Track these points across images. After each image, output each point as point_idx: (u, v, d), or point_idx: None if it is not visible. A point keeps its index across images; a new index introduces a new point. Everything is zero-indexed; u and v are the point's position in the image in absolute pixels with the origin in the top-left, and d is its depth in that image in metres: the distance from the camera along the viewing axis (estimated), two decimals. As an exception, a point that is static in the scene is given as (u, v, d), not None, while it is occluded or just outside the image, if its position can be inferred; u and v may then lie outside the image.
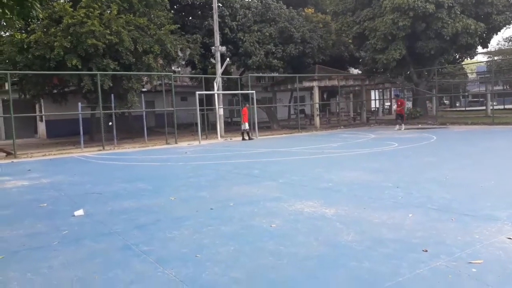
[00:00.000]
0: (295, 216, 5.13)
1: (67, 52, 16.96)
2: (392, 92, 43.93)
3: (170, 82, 20.41)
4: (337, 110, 33.14)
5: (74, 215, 5.65)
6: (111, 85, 17.86)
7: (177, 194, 6.84)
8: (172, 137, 19.48)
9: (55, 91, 20.82)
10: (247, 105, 20.55)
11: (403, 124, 20.91)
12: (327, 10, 31.37)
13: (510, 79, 39.53)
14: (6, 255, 4.13)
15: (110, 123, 18.56)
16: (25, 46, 17.05)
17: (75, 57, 17.05)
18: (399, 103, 22.15)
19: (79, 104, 17.86)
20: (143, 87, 22.85)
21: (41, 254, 4.11)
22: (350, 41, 30.15)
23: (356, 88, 34.48)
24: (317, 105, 28.13)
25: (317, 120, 27.59)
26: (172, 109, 20.02)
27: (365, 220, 4.78)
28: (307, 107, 36.76)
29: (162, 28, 19.89)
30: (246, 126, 19.13)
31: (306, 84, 27.26)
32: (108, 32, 17.19)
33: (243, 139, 18.92)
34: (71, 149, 17.62)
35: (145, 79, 21.63)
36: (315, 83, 27.07)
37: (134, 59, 18.59)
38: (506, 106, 38.04)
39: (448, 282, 3.04)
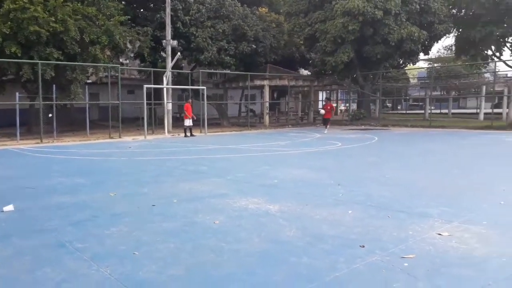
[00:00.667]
0: (239, 212, 5.11)
1: (6, 39, 15.81)
2: (339, 94, 45.36)
3: (117, 74, 19.67)
4: (286, 110, 33.66)
5: (3, 211, 5.26)
6: (53, 75, 16.88)
7: (118, 190, 6.59)
8: (116, 131, 18.78)
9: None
10: (190, 100, 20.21)
11: (326, 128, 20.68)
12: (281, 11, 31.73)
13: (447, 86, 42.12)
14: None
15: (50, 115, 17.56)
16: None
17: (15, 44, 15.94)
18: (328, 107, 21.58)
19: (17, 94, 16.72)
20: (88, 79, 21.83)
21: (-38, 253, 3.78)
22: (301, 42, 30.69)
23: (305, 89, 35.19)
24: (267, 104, 28.39)
25: (266, 118, 27.84)
26: (118, 102, 19.32)
27: (307, 217, 4.86)
28: (257, 106, 37.00)
29: (112, 19, 19.11)
30: (188, 122, 18.80)
31: (258, 82, 27.41)
32: (53, 19, 16.22)
33: (186, 135, 18.64)
34: (5, 141, 16.47)
35: (90, 70, 20.70)
36: (266, 82, 27.29)
37: (79, 49, 17.70)
38: (442, 111, 40.59)
39: (382, 276, 3.15)
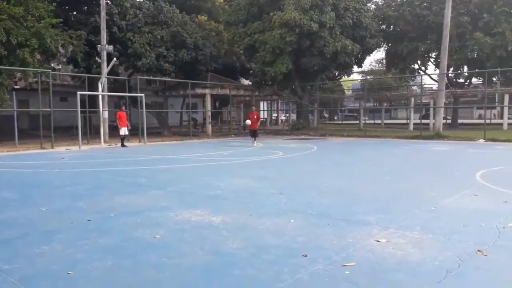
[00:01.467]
0: (181, 225, 4.99)
1: None
2: (280, 104, 46.30)
3: (48, 80, 18.56)
4: (229, 119, 33.72)
5: None
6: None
7: (50, 205, 6.16)
8: (48, 141, 17.66)
9: None
10: (123, 108, 19.54)
11: (255, 141, 18.27)
12: (220, 19, 31.87)
13: (379, 97, 44.63)
14: None
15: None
16: None
17: None
18: (255, 116, 18.60)
19: None
20: (16, 84, 20.38)
21: None
22: (241, 52, 31.00)
23: (247, 98, 35.53)
24: (209, 113, 28.25)
25: (209, 127, 27.69)
26: (49, 109, 18.19)
27: (250, 227, 4.86)
28: (199, 115, 36.69)
29: (42, 21, 18.03)
30: (123, 131, 18.16)
31: (199, 91, 27.22)
32: None
33: (122, 145, 17.99)
34: None
35: (18, 75, 19.32)
36: (207, 91, 27.18)
37: (6, 52, 16.48)
38: (376, 121, 42.89)
39: (325, 285, 3.21)
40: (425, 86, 34.20)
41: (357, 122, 37.94)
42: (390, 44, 32.35)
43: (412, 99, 35.97)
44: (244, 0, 28.20)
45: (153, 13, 26.11)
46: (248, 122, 18.84)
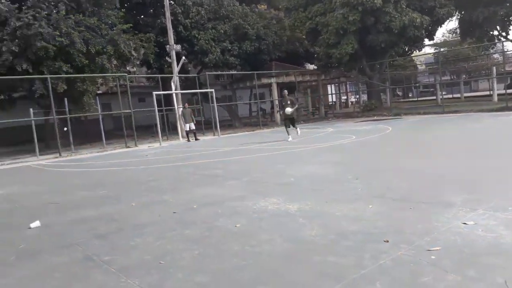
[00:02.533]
0: (259, 214, 5.14)
1: (16, 57, 16.10)
2: (348, 86, 45.05)
3: (126, 83, 19.87)
4: (297, 105, 33.60)
5: (30, 227, 5.38)
6: (65, 87, 17.15)
7: (138, 200, 6.68)
8: (131, 139, 19.00)
9: (1, 96, 19.72)
10: (186, 105, 20.31)
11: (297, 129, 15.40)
12: (280, 6, 31.67)
13: (456, 69, 41.57)
14: (-45, 277, 3.87)
15: (66, 129, 17.85)
16: None
17: (25, 61, 16.22)
18: (288, 102, 14.94)
19: (31, 110, 17.02)
20: (98, 89, 22.13)
21: (-6, 273, 3.89)
22: (304, 36, 30.58)
23: (313, 83, 35.08)
24: (276, 102, 28.38)
25: (277, 116, 27.84)
26: (130, 111, 19.53)
27: (327, 214, 4.86)
28: (267, 104, 37.01)
29: (114, 28, 19.32)
30: (188, 127, 19.00)
31: (265, 81, 27.44)
32: (58, 33, 16.48)
33: (196, 139, 18.87)
34: (26, 157, 16.80)
35: (99, 81, 20.97)
36: (273, 80, 27.30)
37: (87, 61, 17.95)
38: (455, 95, 40.07)
39: (410, 270, 3.14)
40: (508, 53, 31.15)
41: (434, 97, 35.76)
42: (463, 12, 29.80)
43: (494, 68, 32.98)
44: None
45: (214, 8, 26.68)
46: (289, 109, 14.70)
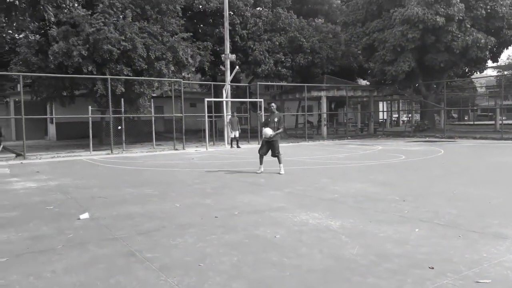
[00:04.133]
0: (300, 227, 5.09)
1: (83, 59, 17.16)
2: (401, 104, 43.77)
3: (180, 88, 20.53)
4: (345, 121, 33.08)
5: (79, 218, 5.66)
6: (123, 90, 18.01)
7: (182, 201, 6.84)
8: (180, 142, 19.55)
9: (64, 93, 21.05)
10: (234, 114, 20.60)
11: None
12: (337, 21, 31.51)
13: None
14: (10, 257, 4.15)
15: (120, 127, 18.70)
16: (45, 49, 17.27)
17: (91, 63, 17.25)
18: (275, 119, 10.49)
19: (89, 107, 18.01)
20: (154, 92, 23.03)
21: (45, 258, 4.12)
22: (359, 52, 30.18)
23: (364, 99, 34.43)
24: (324, 115, 28.12)
25: (324, 130, 27.56)
26: (181, 115, 20.12)
27: (371, 234, 4.73)
28: (314, 117, 36.75)
29: (175, 36, 20.09)
30: (233, 134, 19.40)
31: (315, 93, 27.30)
32: (123, 38, 17.39)
33: (238, 146, 19.20)
34: (80, 151, 17.75)
35: (156, 84, 21.83)
36: (323, 93, 27.10)
37: (146, 66, 18.75)
38: (516, 121, 37.72)
39: (454, 301, 2.99)
40: None
41: (492, 122, 33.90)
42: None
43: None
44: (362, -1, 27.44)
45: (272, 21, 27.01)
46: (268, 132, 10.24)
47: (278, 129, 10.35)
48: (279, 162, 10.31)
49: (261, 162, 10.47)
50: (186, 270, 3.71)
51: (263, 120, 10.95)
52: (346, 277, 3.48)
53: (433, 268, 3.61)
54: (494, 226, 4.92)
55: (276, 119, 10.45)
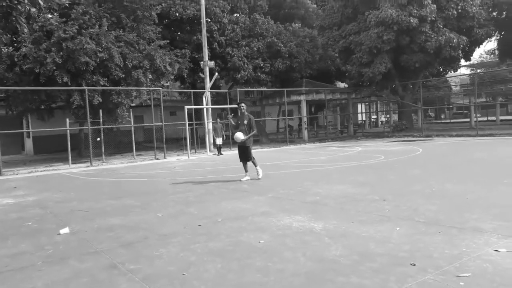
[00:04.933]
0: (283, 231, 5.11)
1: (58, 68, 16.83)
2: (379, 105, 44.43)
3: (159, 97, 20.39)
4: (325, 123, 33.42)
5: (59, 234, 5.55)
6: (101, 100, 17.76)
7: (165, 210, 6.78)
8: (160, 151, 19.37)
9: (42, 107, 20.65)
10: (218, 120, 20.67)
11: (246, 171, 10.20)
12: (314, 25, 31.89)
13: (493, 91, 40.36)
14: (-12, 276, 4.03)
15: (98, 139, 18.42)
16: (15, 60, 16.87)
17: (65, 74, 16.94)
18: (244, 122, 10.11)
19: (67, 120, 17.70)
20: (132, 102, 22.81)
21: (25, 275, 4.02)
22: (336, 55, 30.59)
23: (343, 102, 34.88)
24: (305, 119, 28.33)
25: (305, 133, 27.76)
26: (161, 124, 19.96)
27: (353, 234, 4.78)
28: (294, 121, 36.99)
29: (152, 44, 19.94)
30: (219, 141, 19.46)
31: (294, 98, 27.51)
32: (100, 49, 17.17)
33: (220, 154, 19.17)
34: (58, 165, 17.40)
35: (134, 94, 21.64)
36: (302, 97, 27.33)
37: (123, 75, 18.56)
38: (490, 118, 38.79)
39: (435, 296, 3.04)
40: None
41: (468, 120, 34.78)
42: (503, 33, 29.11)
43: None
44: (337, 3, 27.87)
45: (249, 26, 27.16)
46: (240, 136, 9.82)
47: (250, 131, 9.89)
48: (255, 165, 10.02)
49: (245, 170, 10.10)
50: (170, 280, 3.68)
51: (234, 123, 10.33)
52: (330, 278, 3.51)
53: (414, 264, 3.68)
54: (472, 221, 5.04)
55: (245, 121, 9.97)
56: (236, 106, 10.22)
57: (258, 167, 10.00)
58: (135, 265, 4.14)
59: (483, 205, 5.87)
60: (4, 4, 5.93)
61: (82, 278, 3.84)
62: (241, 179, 9.88)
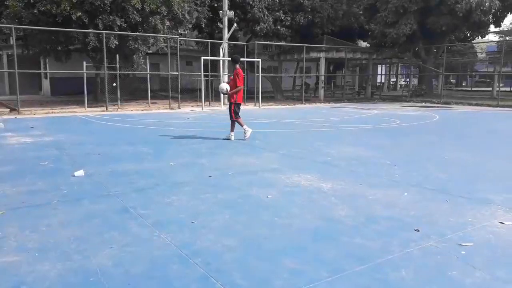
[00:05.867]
0: (292, 188, 5.19)
1: (73, 7, 16.58)
2: (400, 68, 43.22)
3: (176, 45, 20.12)
4: (342, 83, 32.82)
5: (74, 176, 5.72)
6: (117, 43, 17.58)
7: (177, 160, 6.90)
8: (175, 101, 19.42)
9: (59, 48, 20.56)
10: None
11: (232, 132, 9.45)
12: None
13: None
14: (6, 211, 4.22)
15: (114, 84, 18.46)
16: (31, 1, 16.68)
17: (82, 13, 16.69)
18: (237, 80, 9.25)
19: (84, 63, 17.68)
20: (149, 49, 22.55)
21: (40, 212, 4.20)
22: (360, 12, 29.47)
23: (363, 62, 33.99)
24: (322, 77, 27.84)
25: (321, 92, 27.39)
26: (177, 73, 19.85)
27: (360, 196, 4.83)
28: (311, 78, 36.38)
29: (171, -12, 19.39)
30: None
31: (313, 54, 26.87)
32: None
33: None
34: (74, 108, 17.63)
35: (151, 41, 21.35)
36: (322, 54, 26.68)
37: (140, 19, 18.21)
38: (514, 89, 37.61)
39: (437, 262, 3.10)
40: None
41: (490, 89, 33.79)
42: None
43: None
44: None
45: (272, -24, 26.13)
46: (225, 87, 9.47)
47: (235, 88, 9.07)
48: (241, 125, 9.21)
49: (231, 128, 9.39)
50: (179, 227, 3.81)
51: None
52: (334, 236, 3.60)
53: (418, 230, 3.73)
54: (481, 192, 5.03)
55: (232, 76, 9.25)
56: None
57: (245, 126, 9.26)
58: (146, 210, 4.28)
59: (495, 177, 5.83)
60: None
61: (95, 219, 4.00)
62: (231, 137, 9.26)
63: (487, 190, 5.09)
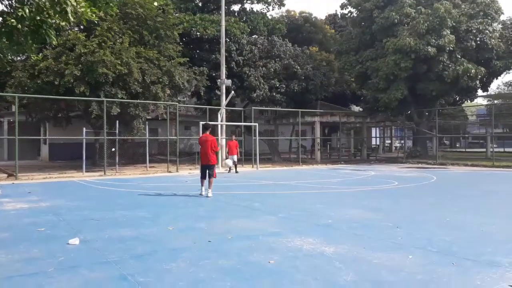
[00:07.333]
0: (294, 252, 5.07)
1: (76, 80, 17.22)
2: (393, 131, 44.07)
3: (175, 111, 20.64)
4: (338, 146, 33.27)
5: (69, 243, 5.56)
6: (119, 110, 18.03)
7: (175, 224, 6.79)
8: (173, 165, 19.48)
9: (60, 115, 21.00)
10: (233, 137, 20.47)
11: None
12: (331, 49, 32.13)
13: (510, 122, 39.84)
14: (0, 279, 4.07)
15: (113, 149, 18.62)
16: (36, 73, 17.36)
17: (84, 85, 17.30)
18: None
19: (84, 129, 17.98)
20: (148, 115, 23.09)
21: (35, 281, 4.05)
22: (352, 79, 30.67)
23: (357, 125, 34.75)
24: (318, 140, 28.29)
25: (318, 154, 27.68)
26: (176, 137, 20.12)
27: (365, 260, 4.72)
28: (307, 141, 36.93)
29: (172, 61, 20.34)
30: (233, 158, 18.94)
31: (308, 118, 27.56)
32: (119, 62, 17.54)
33: (236, 171, 18.80)
34: (72, 173, 17.61)
35: (151, 107, 21.91)
36: (317, 118, 27.36)
37: (141, 89, 18.86)
38: (506, 149, 38.16)
39: (449, 329, 2.98)
40: None
41: (483, 150, 34.30)
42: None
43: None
44: (356, 29, 28.13)
45: (267, 48, 27.54)
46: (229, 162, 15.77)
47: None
48: (210, 184, 10.38)
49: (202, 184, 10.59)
50: (179, 295, 3.67)
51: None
52: (341, 304, 3.46)
53: (427, 295, 3.61)
54: (487, 254, 4.94)
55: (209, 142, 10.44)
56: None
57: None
58: (144, 277, 4.14)
59: (499, 239, 5.75)
60: (37, 17, 6.14)
61: (92, 288, 3.85)
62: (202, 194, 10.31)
63: (492, 252, 5.00)
